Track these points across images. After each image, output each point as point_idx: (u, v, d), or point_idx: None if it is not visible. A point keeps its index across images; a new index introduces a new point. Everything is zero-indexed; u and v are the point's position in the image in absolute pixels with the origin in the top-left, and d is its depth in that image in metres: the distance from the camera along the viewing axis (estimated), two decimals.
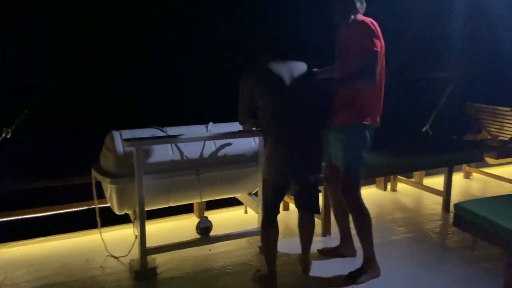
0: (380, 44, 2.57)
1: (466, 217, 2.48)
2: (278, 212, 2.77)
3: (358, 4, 2.64)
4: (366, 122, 2.71)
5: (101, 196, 3.13)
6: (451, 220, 3.72)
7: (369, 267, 2.83)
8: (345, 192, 2.83)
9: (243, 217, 3.89)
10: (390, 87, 3.63)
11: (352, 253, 3.12)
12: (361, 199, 2.83)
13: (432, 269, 2.97)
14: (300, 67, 2.63)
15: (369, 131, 2.76)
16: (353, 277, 2.81)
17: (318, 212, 2.91)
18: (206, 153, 3.09)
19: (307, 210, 2.84)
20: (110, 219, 3.44)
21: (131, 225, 3.10)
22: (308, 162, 2.67)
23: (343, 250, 3.15)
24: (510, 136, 4.40)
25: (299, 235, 2.93)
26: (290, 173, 2.66)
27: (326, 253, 3.19)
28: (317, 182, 2.81)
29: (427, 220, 3.85)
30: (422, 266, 3.01)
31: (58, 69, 3.61)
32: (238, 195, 3.60)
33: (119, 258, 3.10)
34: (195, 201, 3.35)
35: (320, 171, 2.78)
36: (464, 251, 3.20)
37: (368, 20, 2.64)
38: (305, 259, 2.92)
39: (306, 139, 2.62)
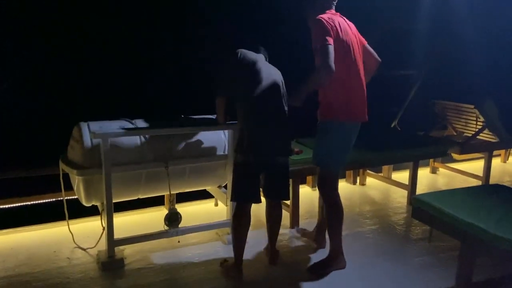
0: (338, 37, 2.57)
1: (423, 209, 2.58)
2: (252, 201, 2.76)
3: (317, 4, 2.70)
4: (335, 119, 2.71)
5: (69, 187, 3.13)
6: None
7: (334, 259, 2.92)
8: (320, 187, 2.91)
9: (213, 209, 3.94)
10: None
11: (322, 244, 3.22)
12: (337, 196, 2.88)
13: (392, 259, 3.08)
14: (271, 66, 2.87)
15: (343, 127, 2.72)
16: (316, 268, 2.90)
17: (287, 198, 2.95)
18: (175, 146, 3.12)
19: (276, 198, 2.92)
20: (78, 211, 3.44)
21: (99, 217, 3.10)
22: (280, 144, 2.77)
23: (317, 238, 3.27)
24: (473, 132, 4.56)
25: (266, 226, 3.00)
26: (263, 155, 2.72)
27: (302, 233, 3.40)
28: (287, 168, 2.86)
29: (393, 213, 3.98)
30: (383, 256, 3.13)
31: (26, 58, 3.55)
32: (208, 188, 3.63)
33: (87, 250, 3.10)
34: (164, 193, 3.36)
35: (288, 154, 2.85)
36: (424, 242, 3.34)
37: (325, 16, 2.62)
38: (272, 249, 2.99)
39: (277, 123, 2.74)
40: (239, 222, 2.77)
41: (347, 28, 2.71)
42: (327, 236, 2.99)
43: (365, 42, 2.86)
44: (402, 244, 3.37)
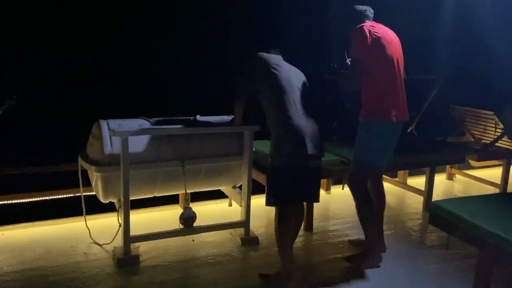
0: (367, 50, 2.72)
1: (441, 215, 2.55)
2: (293, 203, 2.72)
3: (354, 15, 2.84)
4: (373, 119, 2.83)
5: (87, 184, 3.17)
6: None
7: (369, 256, 2.97)
8: (351, 182, 2.97)
9: (227, 209, 3.96)
10: None
11: (382, 248, 3.13)
12: (367, 191, 2.98)
13: (407, 265, 3.05)
14: (292, 66, 2.85)
15: (382, 127, 2.83)
16: (353, 260, 2.98)
17: (317, 201, 2.86)
18: (192, 145, 3.14)
19: (309, 199, 2.92)
20: (96, 207, 3.49)
21: (115, 213, 3.14)
22: (315, 145, 2.66)
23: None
24: (492, 139, 4.49)
25: None
26: (301, 156, 2.62)
27: (356, 244, 3.31)
28: (320, 169, 2.80)
29: (408, 219, 3.94)
30: (398, 261, 3.10)
31: (46, 57, 3.61)
32: (222, 188, 3.65)
33: (103, 246, 3.14)
34: (179, 192, 3.39)
35: (322, 156, 2.77)
36: (440, 249, 3.29)
37: (365, 25, 2.78)
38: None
39: (311, 124, 2.67)
40: (286, 226, 2.66)
41: (388, 33, 2.84)
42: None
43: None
44: (417, 250, 3.33)
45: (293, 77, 2.75)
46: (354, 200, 2.99)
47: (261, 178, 3.49)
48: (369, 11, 2.88)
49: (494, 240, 2.21)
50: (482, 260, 2.38)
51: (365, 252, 3.02)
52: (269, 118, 2.72)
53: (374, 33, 2.74)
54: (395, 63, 2.80)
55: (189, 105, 3.68)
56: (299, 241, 3.36)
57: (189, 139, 3.12)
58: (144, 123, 3.06)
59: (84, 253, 3.05)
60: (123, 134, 2.77)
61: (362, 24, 2.80)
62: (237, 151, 3.27)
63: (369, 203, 2.97)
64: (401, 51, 2.91)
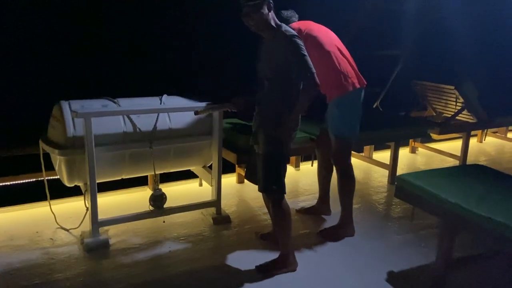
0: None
1: (406, 188, 2.64)
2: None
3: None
4: (339, 94, 2.95)
5: (51, 167, 3.06)
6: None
7: (344, 227, 3.15)
8: (336, 158, 3.08)
9: (197, 189, 3.94)
10: None
11: (327, 212, 3.46)
12: (351, 166, 3.13)
13: (373, 237, 3.16)
14: None
15: (349, 96, 2.96)
16: (328, 233, 3.12)
17: None
18: (160, 126, 3.08)
19: None
20: (61, 191, 3.38)
21: (82, 197, 3.05)
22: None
23: (321, 209, 3.46)
24: (453, 113, 4.65)
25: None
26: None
27: (303, 212, 3.48)
28: None
29: (374, 192, 4.06)
30: (364, 234, 3.20)
31: (3, 35, 3.40)
32: (192, 168, 3.62)
33: (70, 230, 3.06)
34: (148, 173, 3.34)
35: None
36: (405, 220, 3.43)
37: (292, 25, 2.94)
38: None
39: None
40: (286, 209, 2.61)
41: (312, 24, 3.02)
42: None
43: None
44: (383, 222, 3.45)
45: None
46: (338, 176, 3.13)
47: (231, 157, 3.48)
48: (294, 17, 3.08)
49: (455, 210, 2.31)
50: (444, 229, 2.49)
51: (340, 225, 3.16)
52: (284, 93, 2.51)
53: (302, 28, 2.94)
54: (334, 43, 2.98)
55: (155, 86, 3.58)
56: (268, 218, 3.40)
57: (157, 119, 3.05)
58: (108, 104, 2.95)
59: (51, 238, 2.97)
60: (86, 116, 2.67)
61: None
62: (207, 130, 3.23)
63: (353, 177, 3.13)
64: (335, 35, 3.06)
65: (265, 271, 2.64)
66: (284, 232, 2.65)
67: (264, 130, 2.58)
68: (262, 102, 2.63)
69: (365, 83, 3.04)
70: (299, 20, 3.11)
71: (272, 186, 2.60)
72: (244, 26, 2.51)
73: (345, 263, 2.80)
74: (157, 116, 3.06)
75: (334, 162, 3.13)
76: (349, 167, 3.12)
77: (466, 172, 2.88)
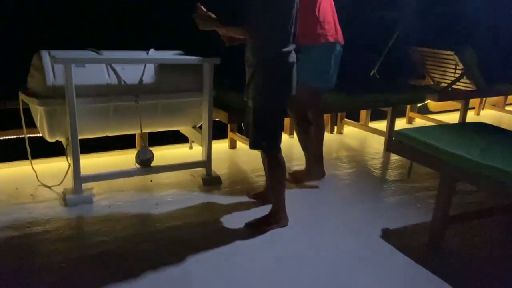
0: None
1: (404, 142, 2.52)
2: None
3: None
4: (313, 42, 2.84)
5: (33, 125, 2.91)
6: (392, 158, 3.86)
7: (310, 172, 3.18)
8: (295, 107, 2.92)
9: (188, 152, 3.81)
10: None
11: (322, 175, 3.27)
12: (307, 116, 3.06)
13: (368, 198, 3.06)
14: None
15: (322, 49, 2.87)
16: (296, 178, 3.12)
17: None
18: (147, 80, 2.92)
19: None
20: (44, 152, 3.24)
21: (65, 158, 2.90)
22: None
23: (314, 171, 3.24)
24: (451, 81, 4.51)
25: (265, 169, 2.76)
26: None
27: (296, 178, 3.25)
28: None
29: (370, 158, 3.94)
30: (359, 195, 3.10)
31: None
32: (182, 129, 3.47)
33: (52, 187, 2.92)
34: (135, 131, 3.19)
35: None
36: (401, 183, 3.32)
37: None
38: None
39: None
40: (282, 164, 2.48)
41: None
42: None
43: None
44: (379, 185, 3.34)
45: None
46: (295, 125, 3.10)
47: (222, 116, 3.33)
48: None
49: (458, 161, 2.19)
50: (444, 183, 2.37)
51: (306, 170, 3.21)
52: (265, 50, 2.33)
53: None
54: None
55: (143, 39, 3.41)
56: (261, 180, 3.27)
57: (143, 72, 2.89)
58: (92, 55, 2.79)
59: (31, 194, 2.83)
60: (66, 62, 2.51)
61: None
62: (196, 86, 3.08)
63: (310, 127, 3.05)
64: None
65: (255, 227, 2.53)
66: (277, 187, 2.52)
67: (253, 81, 2.42)
68: (246, 52, 2.46)
69: (342, 40, 2.95)
70: None
71: (262, 142, 2.46)
72: None
73: (341, 221, 2.69)
74: (144, 69, 2.91)
75: (291, 111, 2.95)
76: (305, 117, 3.03)
77: (467, 128, 2.77)
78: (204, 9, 2.42)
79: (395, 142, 2.62)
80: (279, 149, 2.47)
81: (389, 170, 3.67)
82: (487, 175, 2.07)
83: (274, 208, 2.56)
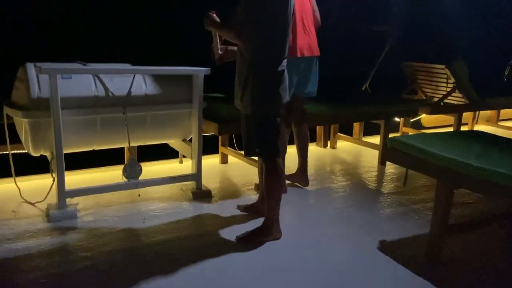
0: None
1: (399, 149, 2.45)
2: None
3: None
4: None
5: (17, 141, 2.82)
6: (386, 171, 3.79)
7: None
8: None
9: (178, 167, 3.72)
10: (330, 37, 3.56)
11: (306, 183, 3.33)
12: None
13: (363, 210, 2.97)
14: None
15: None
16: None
17: None
18: (135, 91, 2.86)
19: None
20: (27, 168, 3.14)
21: (49, 174, 2.80)
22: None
23: (299, 179, 3.34)
24: (443, 95, 4.51)
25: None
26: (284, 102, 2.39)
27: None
28: None
29: (364, 171, 3.87)
30: (355, 207, 3.01)
31: None
32: (171, 142, 3.39)
33: (35, 204, 2.81)
34: (123, 145, 3.10)
35: None
36: (397, 196, 3.24)
37: None
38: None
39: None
40: (279, 173, 2.41)
41: None
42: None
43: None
44: (374, 197, 3.26)
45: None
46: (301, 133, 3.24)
47: (212, 128, 3.26)
48: None
49: (454, 166, 2.13)
50: (440, 190, 2.30)
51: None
52: (258, 55, 2.28)
53: None
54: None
55: (131, 54, 3.37)
56: (253, 194, 3.18)
57: (131, 83, 2.84)
58: (79, 67, 2.73)
59: (13, 211, 2.71)
60: (51, 72, 2.45)
61: None
62: (186, 98, 3.03)
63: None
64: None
65: (246, 240, 2.42)
66: (272, 196, 2.42)
67: (246, 88, 2.36)
68: (237, 60, 2.42)
69: (304, 53, 2.95)
70: None
71: (256, 148, 2.39)
72: None
73: (336, 233, 2.59)
74: (132, 80, 2.85)
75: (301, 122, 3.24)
76: (301, 129, 3.24)
77: (461, 135, 2.72)
78: (215, 15, 2.42)
79: (390, 149, 2.56)
80: (276, 153, 2.38)
81: (384, 183, 3.59)
82: (485, 179, 2.00)
83: (267, 219, 2.47)
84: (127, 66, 2.97)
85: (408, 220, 2.80)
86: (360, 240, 2.51)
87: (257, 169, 3.03)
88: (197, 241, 2.43)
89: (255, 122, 2.35)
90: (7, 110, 2.70)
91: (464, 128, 5.60)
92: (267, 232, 2.45)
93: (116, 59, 3.03)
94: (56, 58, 2.96)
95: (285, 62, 2.34)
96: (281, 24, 2.26)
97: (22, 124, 2.65)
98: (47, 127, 2.59)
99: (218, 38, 2.59)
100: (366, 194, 3.30)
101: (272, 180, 2.40)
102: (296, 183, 3.34)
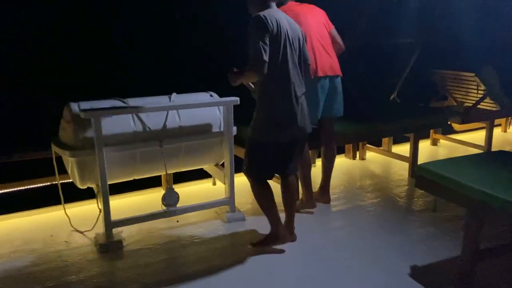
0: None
1: (427, 178, 2.50)
2: (271, 177, 2.80)
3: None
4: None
5: (64, 170, 3.04)
6: None
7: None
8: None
9: (211, 189, 3.88)
10: (354, 55, 3.63)
11: (327, 200, 3.48)
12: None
13: (395, 231, 3.03)
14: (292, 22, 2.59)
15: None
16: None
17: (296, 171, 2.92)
18: (170, 124, 3.03)
19: (292, 171, 2.82)
20: (74, 194, 3.37)
21: (95, 200, 3.02)
22: (305, 119, 2.61)
23: (318, 196, 3.48)
24: (474, 102, 4.47)
25: (283, 201, 2.87)
26: (293, 131, 2.56)
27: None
28: (305, 142, 2.82)
29: (394, 186, 3.91)
30: (386, 228, 3.08)
31: (12, 40, 3.42)
32: (205, 167, 3.56)
33: (84, 233, 3.04)
34: (160, 173, 3.29)
35: (309, 130, 2.71)
36: (428, 213, 3.28)
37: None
38: (289, 225, 2.88)
39: (300, 95, 2.56)
40: (266, 194, 2.72)
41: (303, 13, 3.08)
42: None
43: (332, 27, 3.26)
44: (405, 216, 3.31)
45: (291, 34, 2.51)
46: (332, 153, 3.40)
47: (241, 152, 3.39)
48: None
49: (481, 198, 2.17)
50: (470, 220, 2.34)
51: (301, 200, 3.38)
52: (263, 85, 2.50)
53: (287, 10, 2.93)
54: (309, 28, 3.04)
55: (164, 85, 3.54)
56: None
57: (166, 117, 3.00)
58: (117, 104, 2.92)
59: (65, 241, 2.94)
60: (95, 115, 2.64)
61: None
62: (217, 127, 3.17)
63: (307, 158, 3.30)
64: (320, 19, 3.19)
65: (258, 245, 2.79)
66: (265, 212, 2.78)
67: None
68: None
69: (327, 72, 3.11)
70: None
71: (244, 166, 2.70)
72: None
73: (368, 258, 2.68)
74: (167, 114, 3.02)
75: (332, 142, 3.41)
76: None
77: (490, 159, 2.73)
78: (235, 69, 2.61)
79: (418, 176, 2.61)
80: (259, 180, 2.69)
81: (415, 199, 3.62)
82: None
83: (271, 229, 2.80)
84: (162, 99, 3.12)
85: (440, 241, 2.85)
86: (391, 266, 2.59)
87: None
88: (233, 270, 2.57)
89: (247, 143, 2.66)
90: (55, 148, 2.92)
91: (497, 130, 5.51)
92: (274, 238, 2.79)
93: (151, 91, 3.21)
94: (93, 90, 3.18)
95: (290, 89, 2.50)
96: (274, 49, 2.44)
97: (69, 161, 2.86)
98: (92, 163, 2.80)
99: (248, 84, 2.75)
100: (396, 212, 3.36)
101: (257, 199, 2.76)
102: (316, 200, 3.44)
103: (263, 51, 2.36)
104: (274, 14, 2.47)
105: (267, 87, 2.51)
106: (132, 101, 3.00)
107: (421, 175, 2.57)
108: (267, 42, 2.38)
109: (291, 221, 2.86)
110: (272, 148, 2.58)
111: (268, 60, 2.39)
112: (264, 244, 2.79)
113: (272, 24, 2.40)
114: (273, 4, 2.56)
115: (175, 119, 3.06)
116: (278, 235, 2.78)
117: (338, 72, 3.21)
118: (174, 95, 3.16)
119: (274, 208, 2.75)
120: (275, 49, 2.43)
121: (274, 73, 2.45)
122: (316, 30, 3.13)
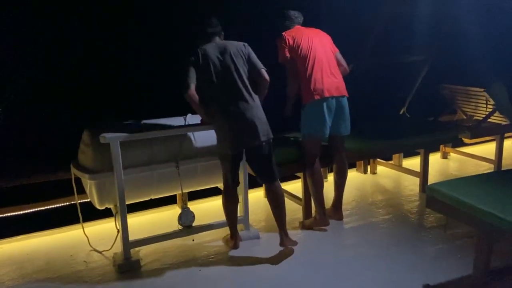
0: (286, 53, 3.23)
1: (438, 198, 2.55)
2: (237, 184, 3.09)
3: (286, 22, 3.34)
4: (305, 101, 3.26)
5: (82, 191, 3.14)
6: None
7: (319, 221, 3.42)
8: (303, 157, 3.41)
9: None
10: (363, 74, 3.70)
11: (340, 217, 3.56)
12: (314, 168, 3.38)
13: (407, 248, 3.07)
14: (234, 45, 2.91)
15: (314, 106, 3.23)
16: (303, 225, 3.48)
17: (276, 179, 3.02)
18: (186, 145, 3.12)
19: (268, 180, 3.02)
20: (93, 213, 3.46)
21: (113, 218, 3.11)
22: (253, 130, 2.85)
23: (331, 213, 3.55)
24: (484, 116, 4.50)
25: (272, 211, 3.06)
26: (238, 143, 2.88)
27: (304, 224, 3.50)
28: (269, 151, 2.95)
29: (405, 201, 3.95)
30: (398, 245, 3.12)
31: (31, 63, 3.55)
32: (219, 185, 3.63)
33: (103, 252, 3.12)
34: (176, 192, 3.37)
35: (264, 138, 2.89)
36: (439, 230, 3.31)
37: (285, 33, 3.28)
38: (281, 233, 3.03)
39: (240, 110, 2.84)
40: (226, 202, 3.10)
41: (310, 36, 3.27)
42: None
43: (336, 51, 3.40)
44: (416, 233, 3.35)
45: (221, 61, 2.85)
46: (307, 173, 3.38)
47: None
48: (300, 18, 3.38)
49: (491, 220, 2.21)
50: (481, 241, 2.39)
51: (314, 218, 3.45)
52: (207, 104, 2.93)
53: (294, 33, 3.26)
54: (315, 50, 3.23)
55: (178, 105, 3.64)
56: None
57: (182, 139, 3.10)
58: (134, 126, 3.01)
59: (84, 261, 3.04)
60: (114, 140, 2.74)
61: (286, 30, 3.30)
62: None
63: (319, 176, 3.37)
64: (326, 43, 3.34)
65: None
66: (227, 222, 3.19)
67: None
68: None
69: (333, 93, 3.22)
70: (305, 22, 3.39)
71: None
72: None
73: (380, 275, 2.73)
74: (182, 136, 3.11)
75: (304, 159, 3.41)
76: (312, 169, 3.35)
77: (500, 178, 2.77)
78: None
79: (429, 197, 2.66)
80: (225, 187, 3.05)
81: (426, 215, 3.66)
82: None
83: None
84: (177, 120, 3.21)
85: (452, 259, 2.88)
86: (404, 283, 2.63)
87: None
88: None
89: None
90: (74, 171, 3.03)
91: (508, 142, 5.51)
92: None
93: (166, 112, 3.31)
94: (110, 116, 3.28)
95: (228, 109, 2.85)
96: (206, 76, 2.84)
97: (88, 183, 2.96)
98: (111, 185, 2.89)
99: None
100: (408, 229, 3.40)
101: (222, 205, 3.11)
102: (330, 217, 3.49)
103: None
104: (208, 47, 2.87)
105: (207, 109, 2.92)
106: (148, 123, 3.10)
107: (431, 195, 2.61)
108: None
109: (282, 229, 3.03)
110: (224, 158, 2.96)
111: (195, 86, 2.82)
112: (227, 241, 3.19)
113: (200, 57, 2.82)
114: (215, 39, 2.94)
115: (190, 140, 3.14)
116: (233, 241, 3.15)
117: (344, 92, 3.31)
118: (189, 116, 3.25)
119: (235, 220, 3.17)
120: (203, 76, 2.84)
121: (203, 98, 2.86)
122: (323, 53, 3.28)
